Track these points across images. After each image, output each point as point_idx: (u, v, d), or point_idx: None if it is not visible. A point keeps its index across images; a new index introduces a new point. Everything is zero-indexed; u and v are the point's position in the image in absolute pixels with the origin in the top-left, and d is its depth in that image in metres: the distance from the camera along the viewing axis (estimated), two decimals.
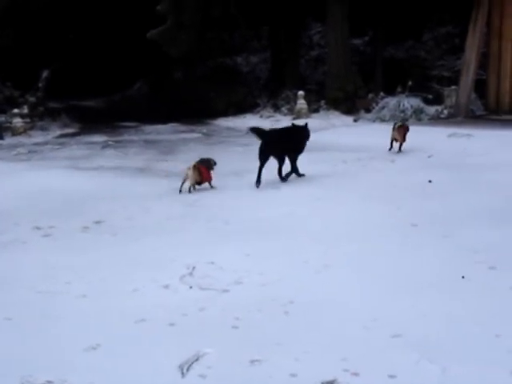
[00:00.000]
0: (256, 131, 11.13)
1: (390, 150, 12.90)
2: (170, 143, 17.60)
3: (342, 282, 5.83)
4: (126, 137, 19.90)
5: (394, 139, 12.85)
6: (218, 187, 10.36)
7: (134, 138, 19.56)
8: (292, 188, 10.05)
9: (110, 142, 18.05)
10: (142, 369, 4.36)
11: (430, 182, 9.87)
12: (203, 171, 10.35)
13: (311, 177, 10.89)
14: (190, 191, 10.15)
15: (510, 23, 18.81)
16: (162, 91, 31.63)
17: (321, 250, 6.76)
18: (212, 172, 10.51)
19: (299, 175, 10.87)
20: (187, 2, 23.56)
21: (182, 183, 10.18)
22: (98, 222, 8.44)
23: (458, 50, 23.76)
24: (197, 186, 10.30)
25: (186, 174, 10.08)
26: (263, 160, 10.64)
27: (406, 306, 5.22)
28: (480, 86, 20.13)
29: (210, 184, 10.45)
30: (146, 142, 18.25)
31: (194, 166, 10.10)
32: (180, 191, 10.09)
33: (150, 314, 5.21)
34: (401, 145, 12.79)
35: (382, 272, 6.05)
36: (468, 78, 19.20)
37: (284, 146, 10.84)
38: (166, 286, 5.87)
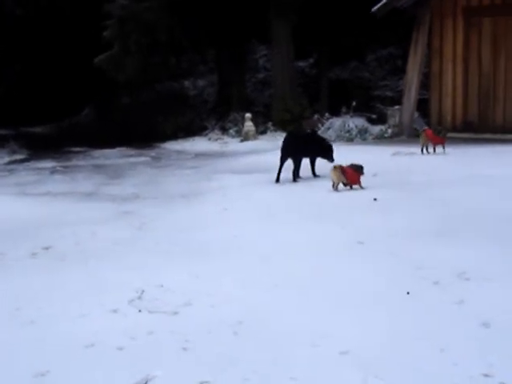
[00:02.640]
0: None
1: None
2: (118, 167, 17.56)
3: (289, 301, 5.87)
4: (74, 162, 19.79)
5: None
6: (166, 209, 10.38)
7: (83, 162, 19.47)
8: (239, 208, 10.12)
9: (58, 168, 17.94)
10: None
11: (375, 200, 10.00)
12: (348, 172, 11.18)
13: (259, 197, 10.98)
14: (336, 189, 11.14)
15: (449, 43, 19.17)
16: (110, 116, 31.53)
17: (269, 270, 6.81)
18: (361, 176, 11.37)
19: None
20: (133, 28, 23.60)
21: (333, 184, 11.27)
22: (46, 248, 8.38)
23: (400, 70, 24.16)
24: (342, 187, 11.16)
25: (332, 177, 11.08)
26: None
27: (353, 322, 5.28)
28: (422, 106, 20.47)
29: (359, 185, 11.34)
30: (95, 166, 18.18)
31: (335, 167, 10.99)
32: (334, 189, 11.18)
33: (98, 339, 5.19)
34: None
35: (329, 290, 6.12)
36: (410, 98, 19.50)
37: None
38: (115, 310, 5.85)
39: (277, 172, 12.67)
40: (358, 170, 11.09)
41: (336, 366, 4.56)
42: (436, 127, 15.77)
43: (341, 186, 11.05)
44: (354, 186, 11.12)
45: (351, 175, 11.03)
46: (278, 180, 12.67)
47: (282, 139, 13.44)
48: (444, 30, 19.23)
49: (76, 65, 30.11)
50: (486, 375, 4.30)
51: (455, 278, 6.26)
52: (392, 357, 4.65)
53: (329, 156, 12.90)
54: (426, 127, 16.48)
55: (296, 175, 12.77)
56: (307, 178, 12.75)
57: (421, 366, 4.50)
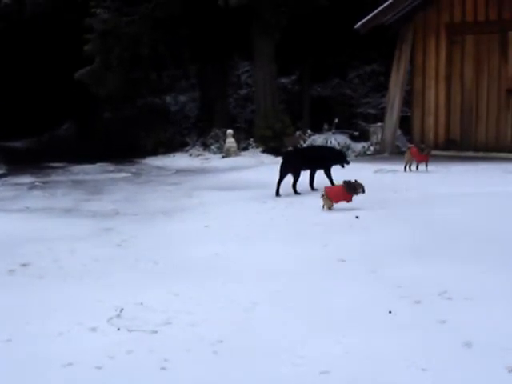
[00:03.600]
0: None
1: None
2: (98, 183, 17.47)
3: (270, 320, 5.83)
4: (53, 177, 19.67)
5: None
6: (146, 226, 10.32)
7: (62, 178, 19.35)
8: (221, 226, 10.07)
9: (37, 183, 17.80)
10: None
11: (356, 217, 9.98)
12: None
13: (241, 214, 10.95)
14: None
15: (432, 61, 19.26)
16: (91, 131, 31.50)
17: (248, 289, 6.76)
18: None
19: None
20: (114, 42, 23.57)
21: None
22: (24, 265, 8.28)
23: (383, 87, 24.26)
24: None
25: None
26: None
27: (334, 342, 5.24)
28: (405, 123, 20.54)
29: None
30: (74, 182, 18.08)
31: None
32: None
33: (76, 358, 5.11)
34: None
35: (310, 308, 6.08)
36: (393, 115, 19.58)
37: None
38: (93, 329, 5.78)
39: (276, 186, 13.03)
40: (350, 190, 10.77)
41: None
42: (420, 145, 15.81)
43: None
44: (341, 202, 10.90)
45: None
46: (277, 193, 12.99)
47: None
48: (427, 47, 19.33)
49: (57, 79, 30.05)
50: None
51: (437, 297, 6.24)
52: (374, 376, 4.61)
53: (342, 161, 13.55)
54: (411, 145, 16.53)
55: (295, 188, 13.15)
56: (289, 195, 12.71)
57: None
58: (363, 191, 10.72)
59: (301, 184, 13.04)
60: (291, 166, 13.06)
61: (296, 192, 13.03)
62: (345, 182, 10.74)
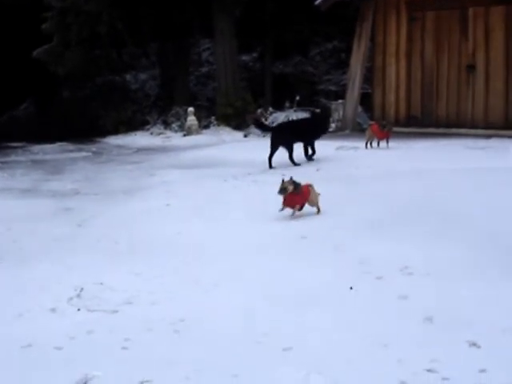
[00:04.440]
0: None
1: None
2: (57, 163, 17.31)
3: (231, 299, 5.80)
4: (12, 157, 19.45)
5: None
6: (107, 206, 10.23)
7: (21, 158, 19.15)
8: (183, 204, 10.00)
9: None
10: None
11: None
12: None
13: (203, 193, 10.90)
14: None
15: (393, 38, 19.26)
16: (50, 110, 31.09)
17: (211, 268, 6.73)
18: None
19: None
20: (73, 20, 23.28)
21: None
22: None
23: (344, 64, 24.25)
24: None
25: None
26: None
27: (296, 319, 5.24)
28: (366, 100, 20.57)
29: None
30: (34, 162, 17.90)
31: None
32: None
33: (36, 339, 5.05)
34: None
35: (272, 286, 6.07)
36: (354, 92, 19.58)
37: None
38: (53, 310, 5.72)
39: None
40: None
41: (278, 362, 4.50)
42: (381, 122, 15.82)
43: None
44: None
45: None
46: (270, 166, 13.43)
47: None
48: (387, 24, 19.32)
49: (15, 58, 29.55)
50: (429, 370, 4.27)
51: (398, 273, 6.26)
52: (335, 353, 4.61)
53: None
54: (373, 122, 16.56)
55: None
56: (253, 173, 12.68)
57: (364, 362, 4.47)
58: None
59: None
60: (283, 140, 13.39)
61: (295, 163, 13.37)
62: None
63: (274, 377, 4.29)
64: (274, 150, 13.48)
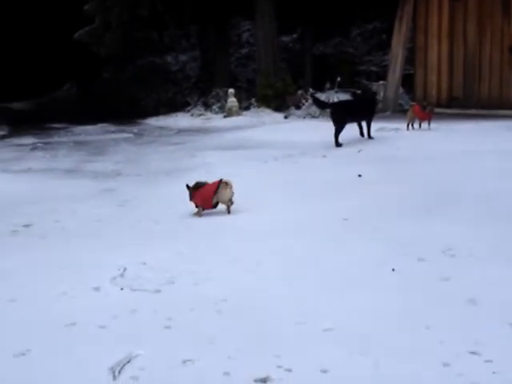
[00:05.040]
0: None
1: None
2: (99, 144, 17.42)
3: (274, 279, 5.83)
4: (55, 138, 19.61)
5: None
6: (148, 187, 10.29)
7: (64, 139, 19.29)
8: None
9: (39, 144, 17.77)
10: (74, 372, 4.27)
11: (359, 176, 9.96)
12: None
13: (242, 174, 10.89)
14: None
15: (435, 19, 19.09)
16: (92, 92, 31.34)
17: (253, 248, 6.76)
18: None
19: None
20: (114, 2, 23.36)
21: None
22: (27, 225, 8.29)
23: (385, 45, 24.07)
24: None
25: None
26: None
27: (338, 300, 5.24)
28: (408, 81, 20.42)
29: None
30: (76, 143, 18.02)
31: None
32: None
33: (80, 317, 5.11)
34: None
35: (313, 267, 6.08)
36: (395, 73, 19.45)
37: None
38: (97, 288, 5.78)
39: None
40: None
41: (321, 343, 4.51)
42: (422, 103, 15.70)
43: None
44: None
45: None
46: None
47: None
48: (429, 5, 19.15)
49: (57, 39, 29.84)
50: (472, 353, 4.26)
51: (440, 255, 6.24)
52: (376, 334, 4.60)
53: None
54: (414, 103, 16.44)
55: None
56: (293, 155, 12.65)
57: (406, 343, 4.46)
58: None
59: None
60: (337, 118, 13.42)
61: (337, 143, 13.29)
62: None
63: (315, 357, 4.30)
64: (337, 127, 13.39)
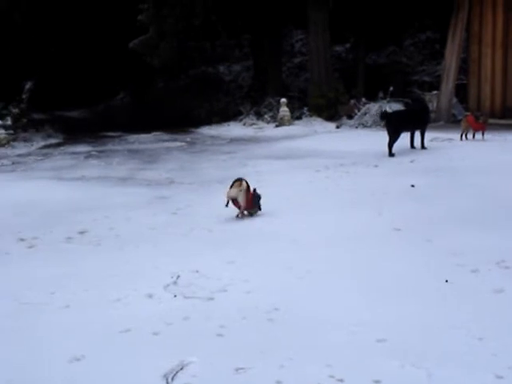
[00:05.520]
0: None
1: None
2: (153, 152, 17.57)
3: (325, 288, 5.83)
4: (109, 146, 19.83)
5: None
6: (201, 195, 10.35)
7: (118, 147, 19.49)
8: (275, 195, 10.03)
9: (93, 152, 17.99)
10: (127, 379, 4.33)
11: (412, 186, 9.91)
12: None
13: (295, 183, 10.94)
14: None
15: (489, 28, 18.94)
16: (145, 101, 31.64)
17: (303, 256, 6.78)
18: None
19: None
20: (168, 12, 23.58)
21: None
22: (81, 232, 8.41)
23: (439, 55, 23.93)
24: None
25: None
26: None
27: (390, 310, 5.23)
28: (461, 91, 20.26)
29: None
30: (130, 151, 18.20)
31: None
32: None
33: (134, 324, 5.18)
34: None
35: (365, 277, 6.07)
36: (449, 83, 19.33)
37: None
38: (150, 295, 5.85)
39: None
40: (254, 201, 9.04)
41: (373, 353, 4.51)
42: (476, 113, 15.57)
43: None
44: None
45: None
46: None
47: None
48: (483, 15, 19.00)
49: (111, 49, 30.21)
50: None
51: (494, 266, 6.18)
52: (429, 345, 4.59)
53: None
54: (468, 113, 16.30)
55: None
56: (345, 164, 12.63)
57: (458, 354, 4.43)
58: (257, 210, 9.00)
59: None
60: (392, 128, 13.36)
61: (391, 153, 13.21)
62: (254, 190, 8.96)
63: (368, 368, 4.30)
64: (392, 136, 13.35)
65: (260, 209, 8.97)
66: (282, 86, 27.10)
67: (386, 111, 14.53)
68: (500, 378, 4.09)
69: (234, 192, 8.74)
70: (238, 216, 8.80)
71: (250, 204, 8.87)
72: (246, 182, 8.81)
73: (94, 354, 4.71)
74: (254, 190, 8.93)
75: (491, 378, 4.11)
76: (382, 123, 15.00)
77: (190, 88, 28.72)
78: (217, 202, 9.79)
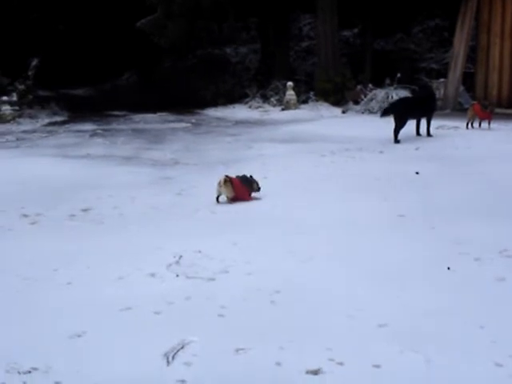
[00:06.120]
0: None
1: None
2: (158, 132, 17.56)
3: (327, 272, 5.85)
4: (114, 125, 19.80)
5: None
6: (205, 176, 10.35)
7: (123, 126, 19.46)
8: (279, 178, 10.05)
9: (98, 131, 17.98)
10: (128, 357, 4.36)
11: (417, 173, 9.91)
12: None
13: (300, 167, 10.94)
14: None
15: (498, 18, 18.85)
16: (152, 81, 31.57)
17: (307, 241, 6.79)
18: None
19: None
20: None
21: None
22: (85, 210, 8.44)
23: (447, 42, 23.83)
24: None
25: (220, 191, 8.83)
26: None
27: (392, 296, 5.24)
28: (468, 79, 20.19)
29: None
30: (135, 130, 18.18)
31: (225, 181, 8.73)
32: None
33: (135, 302, 5.21)
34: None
35: (368, 262, 6.08)
36: (456, 71, 19.26)
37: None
38: (153, 275, 5.87)
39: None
40: (246, 183, 8.97)
41: (373, 338, 4.53)
42: (483, 102, 15.52)
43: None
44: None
45: (239, 189, 8.82)
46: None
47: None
48: (493, 4, 18.90)
49: (119, 28, 30.11)
50: None
51: (496, 255, 6.19)
52: (430, 332, 4.61)
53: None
54: (475, 102, 16.26)
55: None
56: (350, 149, 12.62)
57: (458, 341, 4.45)
58: (258, 188, 9.01)
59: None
60: (398, 114, 13.32)
61: (396, 140, 13.21)
62: (238, 176, 8.94)
63: (367, 352, 4.32)
64: (398, 123, 13.33)
65: (259, 189, 8.95)
66: (289, 69, 26.99)
67: (386, 109, 14.33)
68: (499, 365, 4.11)
69: (218, 191, 8.77)
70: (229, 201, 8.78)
71: (241, 191, 8.84)
72: (227, 176, 8.75)
73: (95, 330, 4.74)
74: (240, 176, 8.92)
75: (491, 365, 4.12)
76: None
77: (196, 68, 28.64)
78: None
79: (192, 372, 4.14)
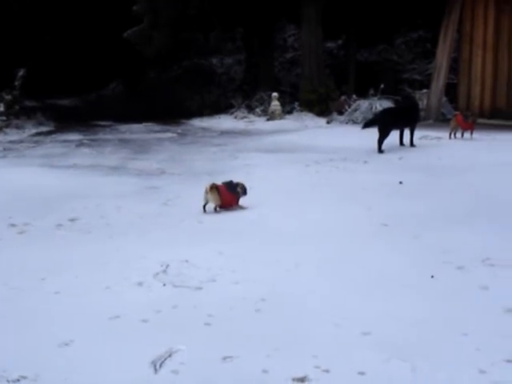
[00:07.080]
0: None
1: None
2: (144, 142, 17.58)
3: (312, 281, 5.91)
4: (100, 135, 19.80)
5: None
6: (191, 186, 10.40)
7: (109, 136, 19.48)
8: (265, 188, 10.09)
9: (84, 141, 17.98)
10: (116, 365, 4.40)
11: (400, 183, 10.00)
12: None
13: (285, 177, 11.01)
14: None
15: (480, 29, 19.03)
16: (137, 91, 31.59)
17: (292, 249, 6.85)
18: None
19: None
20: (163, 2, 23.55)
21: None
22: (72, 220, 8.47)
23: (430, 54, 24.01)
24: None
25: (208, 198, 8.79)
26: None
27: (376, 304, 5.31)
28: (451, 90, 20.35)
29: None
30: (121, 140, 18.20)
31: (211, 188, 8.72)
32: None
33: (123, 311, 5.25)
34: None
35: (353, 271, 6.15)
36: (439, 82, 19.40)
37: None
38: (140, 284, 5.91)
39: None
40: (232, 190, 8.97)
41: (358, 346, 4.59)
42: (466, 113, 15.67)
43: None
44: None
45: (226, 196, 8.83)
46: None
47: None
48: (475, 16, 19.09)
49: (105, 38, 30.14)
50: (509, 361, 4.31)
51: (479, 264, 6.27)
52: (414, 340, 4.67)
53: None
54: (457, 112, 16.41)
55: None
56: (334, 159, 12.71)
57: (443, 349, 4.51)
58: (244, 192, 9.04)
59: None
60: (382, 125, 13.47)
61: (380, 150, 13.33)
62: (224, 183, 8.95)
63: (353, 359, 4.38)
64: (382, 133, 13.45)
65: (245, 192, 9.00)
66: (274, 80, 27.10)
67: (368, 121, 14.44)
68: (483, 372, 4.17)
69: (205, 198, 8.80)
70: (215, 209, 8.84)
71: (228, 197, 8.90)
72: (214, 184, 8.80)
73: (84, 339, 4.78)
74: (225, 183, 8.96)
75: (475, 372, 4.19)
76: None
77: (182, 79, 28.69)
78: None
79: (179, 380, 4.19)
